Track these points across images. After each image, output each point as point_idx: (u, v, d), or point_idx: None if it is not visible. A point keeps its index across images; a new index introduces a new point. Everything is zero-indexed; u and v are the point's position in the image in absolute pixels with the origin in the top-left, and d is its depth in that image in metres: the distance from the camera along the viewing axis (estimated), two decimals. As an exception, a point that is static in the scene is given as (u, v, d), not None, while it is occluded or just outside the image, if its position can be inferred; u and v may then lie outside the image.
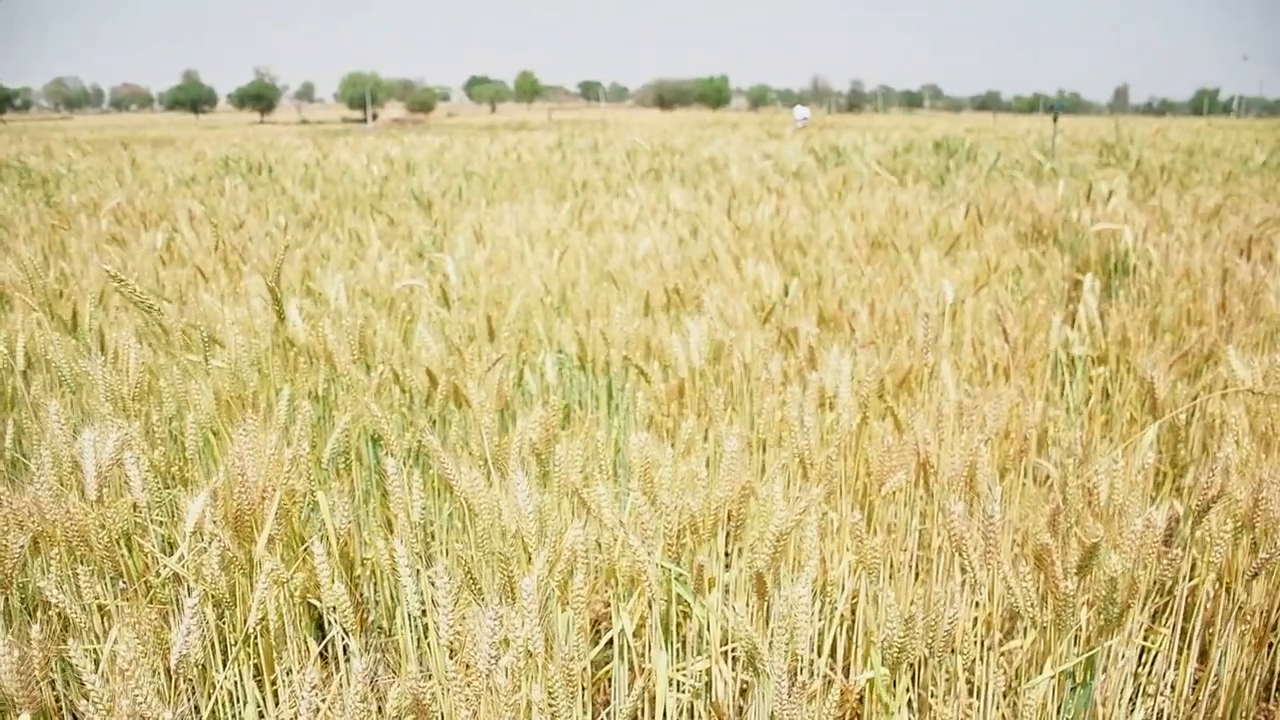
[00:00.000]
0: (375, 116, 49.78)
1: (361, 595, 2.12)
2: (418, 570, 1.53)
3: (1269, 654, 1.73)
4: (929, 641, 1.35)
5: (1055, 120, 9.67)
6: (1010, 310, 2.48)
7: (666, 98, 76.13)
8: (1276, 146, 9.59)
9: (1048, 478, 2.03)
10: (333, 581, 1.50)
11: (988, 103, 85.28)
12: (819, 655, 1.92)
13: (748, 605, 1.44)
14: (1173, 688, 1.73)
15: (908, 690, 1.60)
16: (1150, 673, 1.76)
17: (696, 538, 1.66)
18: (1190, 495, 1.71)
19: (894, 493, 1.80)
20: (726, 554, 1.82)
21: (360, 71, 69.48)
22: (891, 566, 1.86)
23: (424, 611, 1.54)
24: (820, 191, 4.99)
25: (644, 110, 68.00)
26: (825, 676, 1.93)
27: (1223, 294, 2.58)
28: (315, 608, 1.93)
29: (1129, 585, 1.42)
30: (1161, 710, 1.71)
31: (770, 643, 1.29)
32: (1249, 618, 1.65)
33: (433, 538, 2.15)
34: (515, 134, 17.15)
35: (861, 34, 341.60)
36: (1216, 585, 1.68)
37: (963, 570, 1.43)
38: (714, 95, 75.55)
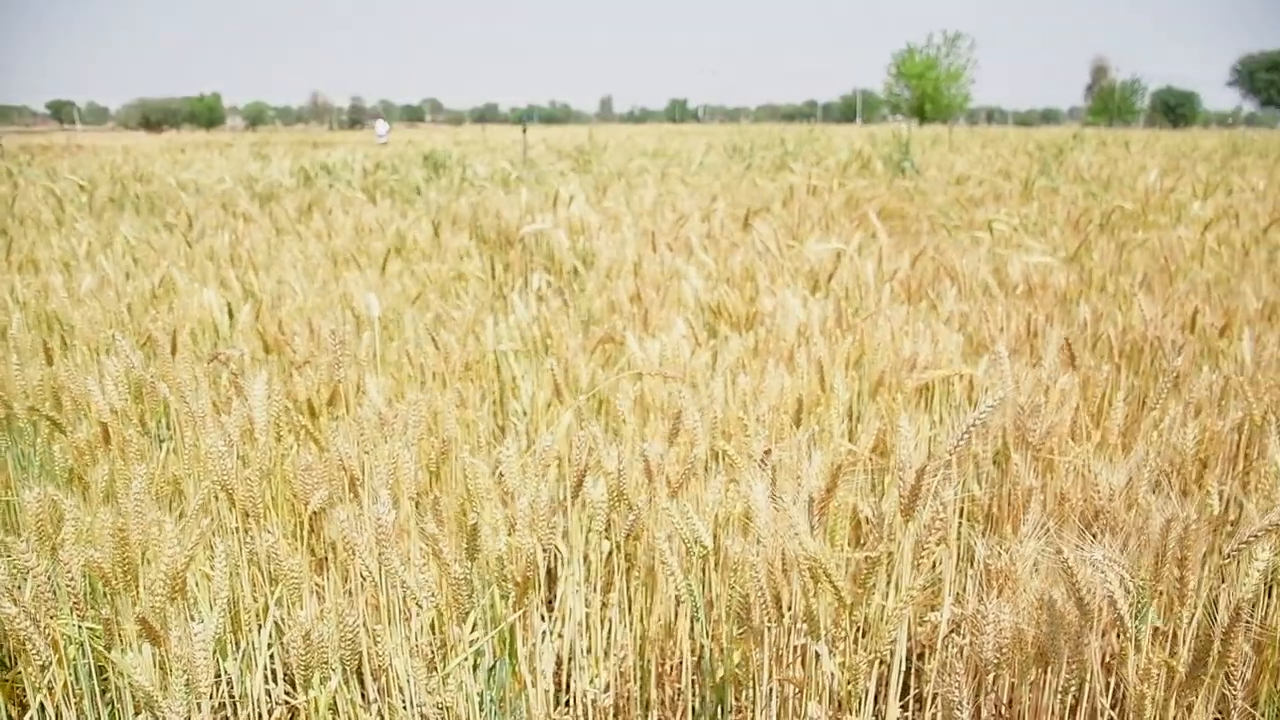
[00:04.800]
0: None
1: None
2: None
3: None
4: (341, 655, 1.39)
5: (524, 132, 10.35)
6: (450, 317, 2.59)
7: (154, 118, 70.51)
8: (715, 146, 10.94)
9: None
10: None
11: (486, 115, 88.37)
12: (276, 684, 1.91)
13: (141, 651, 1.39)
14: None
15: (340, 700, 1.63)
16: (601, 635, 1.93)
17: (112, 589, 1.57)
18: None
19: (325, 509, 1.83)
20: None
21: None
22: (343, 581, 1.89)
23: None
24: (289, 213, 4.90)
25: (129, 133, 62.55)
26: (286, 703, 1.92)
27: (636, 285, 2.89)
28: None
29: (527, 559, 1.56)
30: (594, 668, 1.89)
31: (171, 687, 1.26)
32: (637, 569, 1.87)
33: None
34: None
35: (361, 50, 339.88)
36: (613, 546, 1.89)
37: (363, 574, 1.49)
38: (206, 114, 71.34)
